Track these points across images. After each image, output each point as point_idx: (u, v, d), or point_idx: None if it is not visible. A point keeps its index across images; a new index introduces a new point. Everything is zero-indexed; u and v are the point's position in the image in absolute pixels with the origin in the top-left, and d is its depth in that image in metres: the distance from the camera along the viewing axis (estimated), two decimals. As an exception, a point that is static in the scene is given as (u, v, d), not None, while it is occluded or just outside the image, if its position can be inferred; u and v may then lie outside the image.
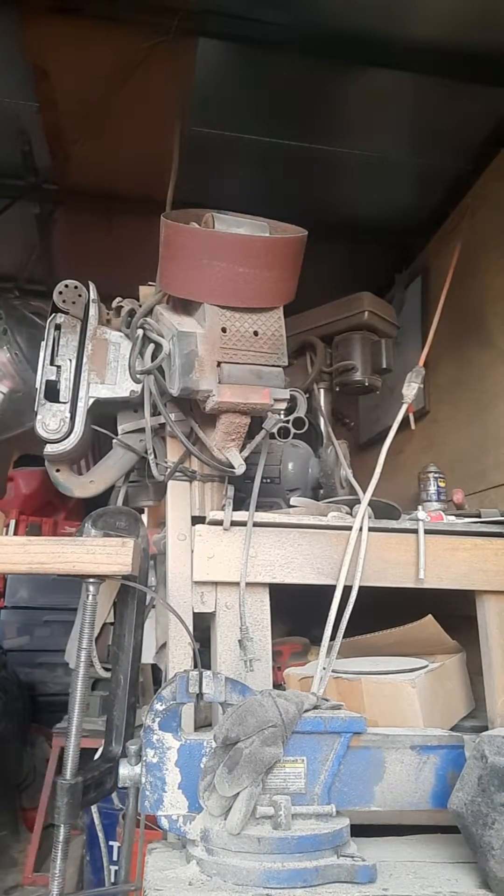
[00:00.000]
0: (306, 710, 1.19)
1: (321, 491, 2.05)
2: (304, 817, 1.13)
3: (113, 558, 1.27)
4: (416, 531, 1.63)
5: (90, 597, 1.27)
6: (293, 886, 1.04)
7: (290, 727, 1.14)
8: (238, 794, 1.09)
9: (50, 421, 1.65)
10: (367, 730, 1.22)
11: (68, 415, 1.66)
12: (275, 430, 1.64)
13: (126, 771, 1.21)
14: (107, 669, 1.55)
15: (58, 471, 1.75)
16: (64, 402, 1.67)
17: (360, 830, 1.21)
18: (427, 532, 1.63)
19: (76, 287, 1.73)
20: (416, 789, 1.23)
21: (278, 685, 1.67)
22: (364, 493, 1.66)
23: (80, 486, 1.76)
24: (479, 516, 1.81)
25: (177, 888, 1.05)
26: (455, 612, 1.71)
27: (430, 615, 1.70)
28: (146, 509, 2.14)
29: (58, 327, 1.71)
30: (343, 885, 1.07)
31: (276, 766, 1.13)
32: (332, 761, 1.18)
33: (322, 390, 2.57)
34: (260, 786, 1.11)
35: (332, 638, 1.50)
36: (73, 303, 1.72)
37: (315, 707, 1.22)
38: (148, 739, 1.19)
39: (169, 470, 1.62)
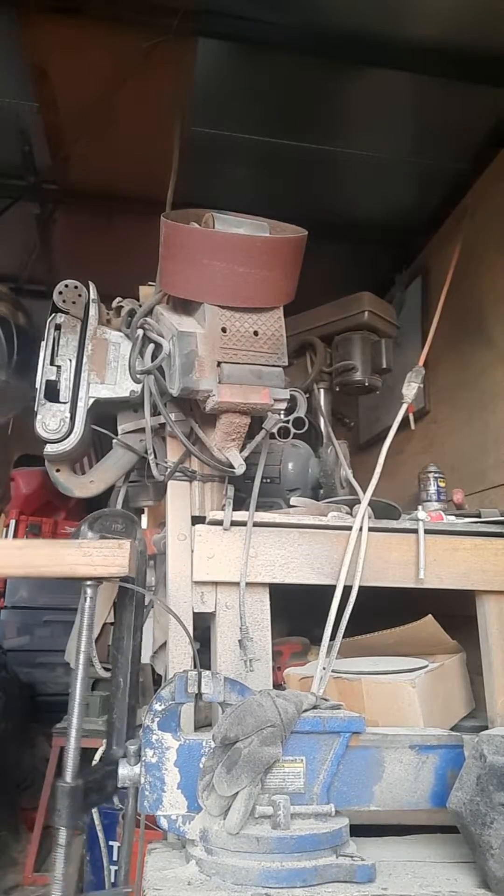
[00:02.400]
0: (305, 710, 1.19)
1: (321, 491, 2.05)
2: (302, 817, 1.13)
3: (109, 560, 1.27)
4: (416, 531, 1.63)
5: (88, 599, 1.27)
6: (292, 886, 1.04)
7: (288, 727, 1.14)
8: (237, 793, 1.09)
9: (50, 421, 1.65)
10: (366, 729, 1.22)
11: (68, 415, 1.66)
12: (275, 430, 1.64)
13: (125, 771, 1.21)
14: (107, 669, 1.55)
15: (58, 471, 1.75)
16: (64, 403, 1.67)
17: (360, 830, 1.20)
18: (427, 532, 1.63)
19: (76, 287, 1.73)
20: (416, 789, 1.23)
21: (278, 685, 1.67)
22: (364, 493, 1.66)
23: (80, 486, 1.77)
24: (479, 516, 1.81)
25: (176, 888, 1.05)
26: (455, 612, 1.71)
27: (430, 615, 1.71)
28: (146, 509, 2.14)
29: (58, 327, 1.71)
30: (342, 884, 1.07)
31: (275, 765, 1.13)
32: (330, 761, 1.18)
33: (322, 390, 2.57)
34: (259, 785, 1.11)
35: (332, 638, 1.50)
36: (73, 303, 1.72)
37: (314, 707, 1.22)
38: (147, 739, 1.20)
39: (169, 470, 1.62)
